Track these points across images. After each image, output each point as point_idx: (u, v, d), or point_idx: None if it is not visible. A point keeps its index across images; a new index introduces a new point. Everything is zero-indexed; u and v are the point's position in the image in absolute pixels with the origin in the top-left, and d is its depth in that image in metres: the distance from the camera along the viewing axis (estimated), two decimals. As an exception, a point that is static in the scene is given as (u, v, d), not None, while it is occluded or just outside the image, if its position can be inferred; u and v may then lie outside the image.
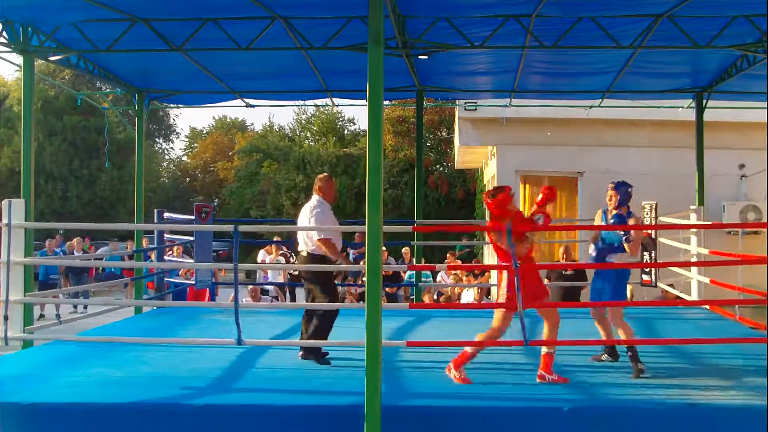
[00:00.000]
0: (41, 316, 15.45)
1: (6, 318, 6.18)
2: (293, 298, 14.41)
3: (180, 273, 11.87)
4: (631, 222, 6.37)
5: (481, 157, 18.92)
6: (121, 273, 15.94)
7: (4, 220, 6.21)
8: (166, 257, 12.04)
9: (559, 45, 8.10)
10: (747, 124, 13.44)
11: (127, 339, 7.29)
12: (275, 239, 14.76)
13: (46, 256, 16.14)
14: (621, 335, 6.10)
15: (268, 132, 38.45)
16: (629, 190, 6.46)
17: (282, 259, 14.17)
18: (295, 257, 15.32)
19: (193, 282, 10.78)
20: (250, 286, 11.60)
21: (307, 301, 6.72)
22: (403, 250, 14.52)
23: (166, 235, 10.94)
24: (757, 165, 13.21)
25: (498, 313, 5.88)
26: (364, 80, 5.26)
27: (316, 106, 34.40)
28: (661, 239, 9.89)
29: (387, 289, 12.57)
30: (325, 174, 7.02)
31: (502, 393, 5.38)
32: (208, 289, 11.25)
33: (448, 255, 16.81)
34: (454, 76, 10.63)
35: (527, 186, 14.87)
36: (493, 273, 13.70)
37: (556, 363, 5.86)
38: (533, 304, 5.74)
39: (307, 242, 6.60)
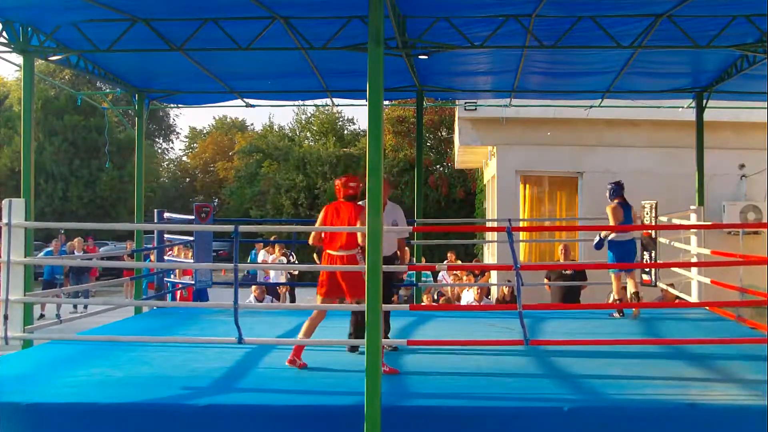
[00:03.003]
0: (41, 315, 15.46)
1: (6, 318, 6.19)
2: (293, 299, 14.41)
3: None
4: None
5: (481, 157, 18.92)
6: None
7: (4, 220, 6.22)
8: (166, 257, 12.04)
9: (559, 45, 8.09)
10: (747, 124, 13.44)
11: (128, 338, 7.30)
12: (272, 239, 14.75)
13: (51, 255, 16.21)
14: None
15: (268, 132, 38.48)
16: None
17: (283, 259, 14.18)
18: (295, 257, 15.42)
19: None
20: (254, 286, 11.60)
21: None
22: (403, 250, 14.51)
23: (165, 235, 10.94)
24: (757, 165, 13.21)
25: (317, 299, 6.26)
26: (364, 80, 5.26)
27: (316, 106, 34.46)
28: (661, 239, 9.89)
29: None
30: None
31: (502, 393, 5.38)
32: (192, 290, 11.28)
33: (448, 255, 16.78)
34: (454, 76, 10.63)
35: (527, 186, 14.87)
36: (493, 272, 13.72)
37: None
38: (356, 293, 6.09)
39: (394, 244, 6.82)
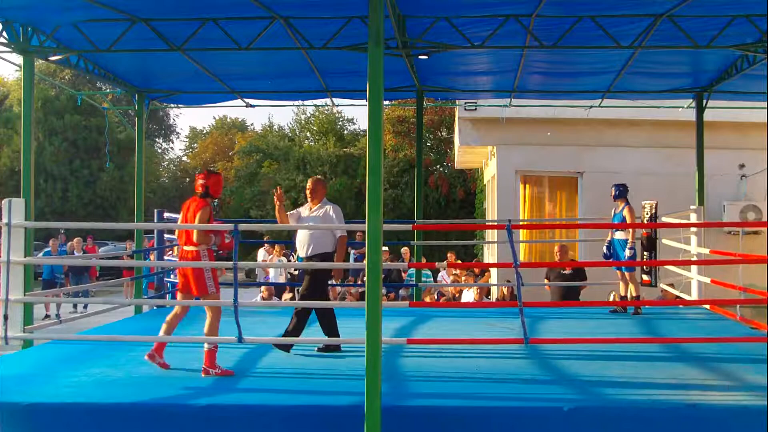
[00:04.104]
0: (46, 316, 15.39)
1: (6, 318, 6.19)
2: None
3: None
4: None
5: (481, 157, 18.92)
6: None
7: (4, 220, 6.22)
8: (166, 258, 12.03)
9: (559, 45, 8.10)
10: (747, 124, 13.44)
11: (128, 338, 7.30)
12: (265, 239, 14.76)
13: (50, 255, 16.20)
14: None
15: (268, 132, 38.44)
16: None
17: (283, 260, 14.16)
18: (295, 257, 15.38)
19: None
20: (263, 286, 11.63)
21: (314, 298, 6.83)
22: (402, 250, 14.53)
23: (165, 236, 10.93)
24: (757, 165, 13.22)
25: (211, 300, 6.08)
26: (364, 80, 5.26)
27: (315, 106, 34.42)
28: (665, 240, 9.90)
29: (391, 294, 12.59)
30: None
31: (502, 393, 5.38)
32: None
33: (448, 255, 16.76)
34: (454, 76, 10.63)
35: (527, 186, 14.86)
36: (493, 272, 13.72)
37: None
38: (196, 292, 6.04)
39: (326, 243, 6.77)
